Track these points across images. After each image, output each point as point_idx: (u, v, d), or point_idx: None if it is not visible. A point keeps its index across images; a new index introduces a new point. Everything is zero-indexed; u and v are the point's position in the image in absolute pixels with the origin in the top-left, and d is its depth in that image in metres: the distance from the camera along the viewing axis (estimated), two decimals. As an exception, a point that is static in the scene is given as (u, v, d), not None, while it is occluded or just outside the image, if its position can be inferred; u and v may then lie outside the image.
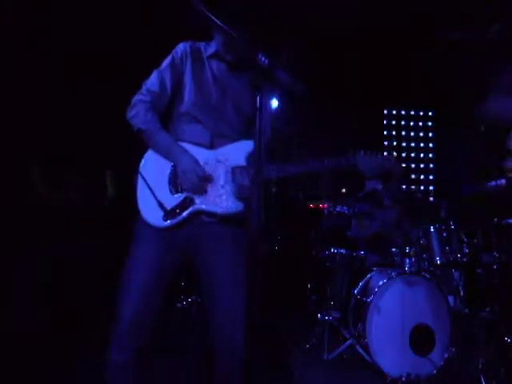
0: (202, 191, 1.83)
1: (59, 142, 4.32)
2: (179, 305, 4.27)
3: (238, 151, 1.88)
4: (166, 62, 1.95)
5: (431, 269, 3.34)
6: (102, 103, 4.38)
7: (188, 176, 1.80)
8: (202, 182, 1.82)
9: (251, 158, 1.87)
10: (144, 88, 1.92)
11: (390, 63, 5.77)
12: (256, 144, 1.40)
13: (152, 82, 1.92)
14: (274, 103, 5.99)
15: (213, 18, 1.59)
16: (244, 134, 1.93)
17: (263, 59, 1.48)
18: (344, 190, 4.97)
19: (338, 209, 3.95)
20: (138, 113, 1.87)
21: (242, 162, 1.86)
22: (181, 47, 1.97)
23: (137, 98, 1.91)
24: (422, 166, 7.27)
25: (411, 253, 3.32)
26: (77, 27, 4.12)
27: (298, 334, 3.83)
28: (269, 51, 1.49)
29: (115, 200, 4.72)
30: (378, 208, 4.03)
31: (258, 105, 1.42)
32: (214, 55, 1.97)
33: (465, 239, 3.29)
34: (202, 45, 2.01)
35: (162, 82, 1.91)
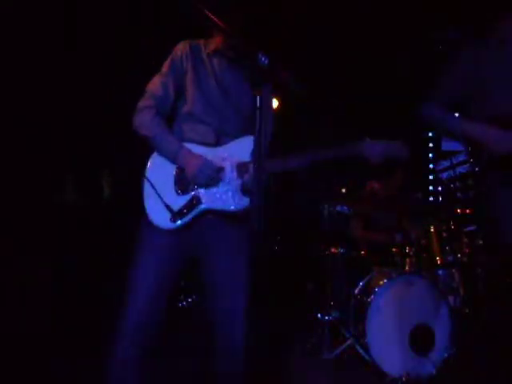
0: (214, 186, 1.82)
1: (58, 142, 4.32)
2: (179, 304, 4.27)
3: (242, 147, 1.87)
4: (167, 64, 1.95)
5: (431, 269, 3.34)
6: (100, 103, 4.39)
7: (204, 171, 1.79)
8: (217, 174, 1.82)
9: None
10: (147, 93, 1.92)
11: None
12: (256, 143, 1.40)
13: (155, 85, 1.92)
14: (274, 103, 5.98)
15: (212, 17, 1.59)
16: (247, 131, 1.92)
17: (263, 58, 1.48)
18: (344, 190, 4.96)
19: (338, 209, 3.94)
20: (144, 119, 1.87)
21: (246, 157, 1.85)
22: (180, 47, 1.96)
23: (141, 103, 1.91)
24: None
25: (411, 253, 3.33)
26: (77, 27, 4.12)
27: (298, 333, 3.83)
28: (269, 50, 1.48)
29: (112, 200, 4.72)
30: (377, 208, 4.03)
31: (258, 105, 1.41)
32: (215, 52, 1.96)
33: (465, 239, 3.29)
34: (201, 42, 2.00)
35: (164, 86, 1.91)
